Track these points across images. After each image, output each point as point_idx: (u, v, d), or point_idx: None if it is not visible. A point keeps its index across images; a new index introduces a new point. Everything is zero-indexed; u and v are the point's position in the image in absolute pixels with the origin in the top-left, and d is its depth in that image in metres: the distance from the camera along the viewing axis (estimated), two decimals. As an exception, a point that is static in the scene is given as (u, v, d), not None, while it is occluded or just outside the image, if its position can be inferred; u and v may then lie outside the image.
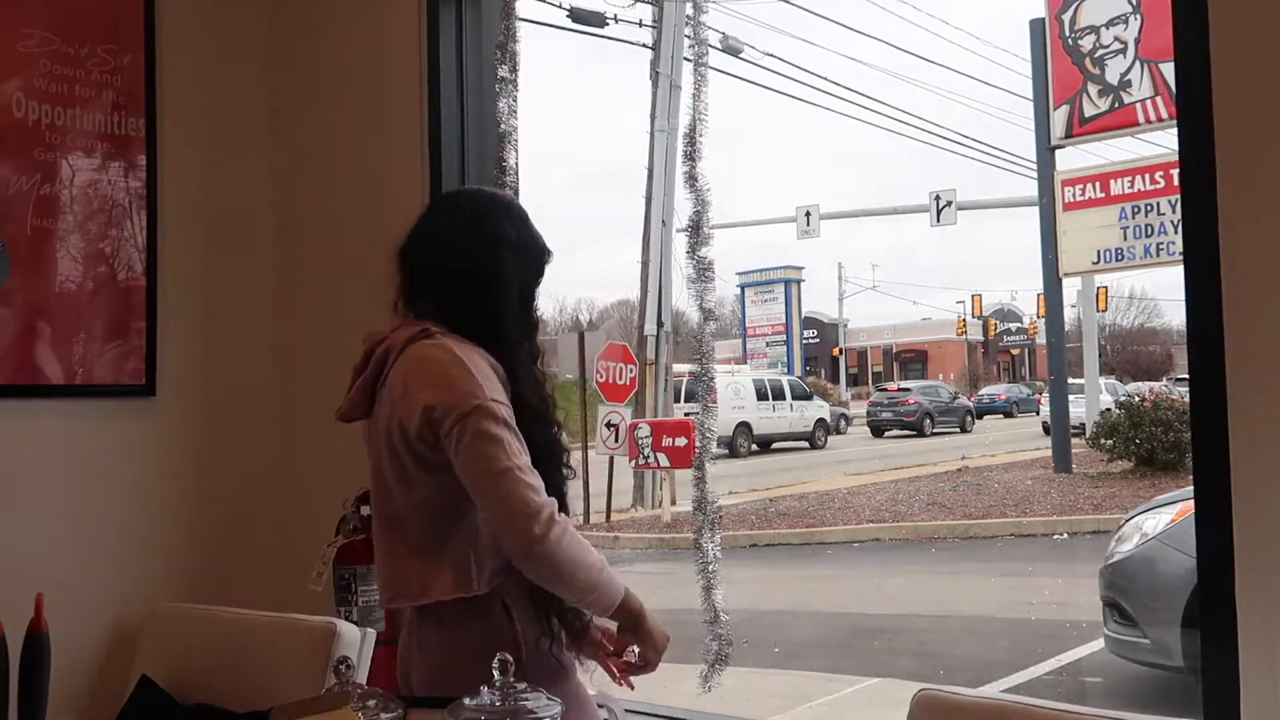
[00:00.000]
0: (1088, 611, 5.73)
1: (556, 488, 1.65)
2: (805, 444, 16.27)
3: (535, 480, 1.57)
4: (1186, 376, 1.69)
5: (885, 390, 19.03)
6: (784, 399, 16.34)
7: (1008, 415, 19.77)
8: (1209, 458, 1.53)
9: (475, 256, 1.72)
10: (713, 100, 2.72)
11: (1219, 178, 1.53)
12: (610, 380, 10.23)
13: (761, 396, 15.82)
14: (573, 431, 13.33)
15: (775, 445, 15.63)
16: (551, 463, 1.69)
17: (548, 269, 1.80)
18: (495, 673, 1.28)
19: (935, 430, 17.13)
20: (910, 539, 9.64)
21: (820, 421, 16.80)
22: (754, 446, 15.25)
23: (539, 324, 1.81)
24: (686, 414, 10.16)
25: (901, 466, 13.39)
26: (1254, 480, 1.49)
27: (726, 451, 13.99)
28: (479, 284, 1.71)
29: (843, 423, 18.93)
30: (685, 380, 10.65)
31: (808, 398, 17.33)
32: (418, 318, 1.71)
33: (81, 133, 2.40)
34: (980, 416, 18.76)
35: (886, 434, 17.30)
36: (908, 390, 18.70)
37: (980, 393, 21.13)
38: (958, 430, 17.25)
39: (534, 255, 1.79)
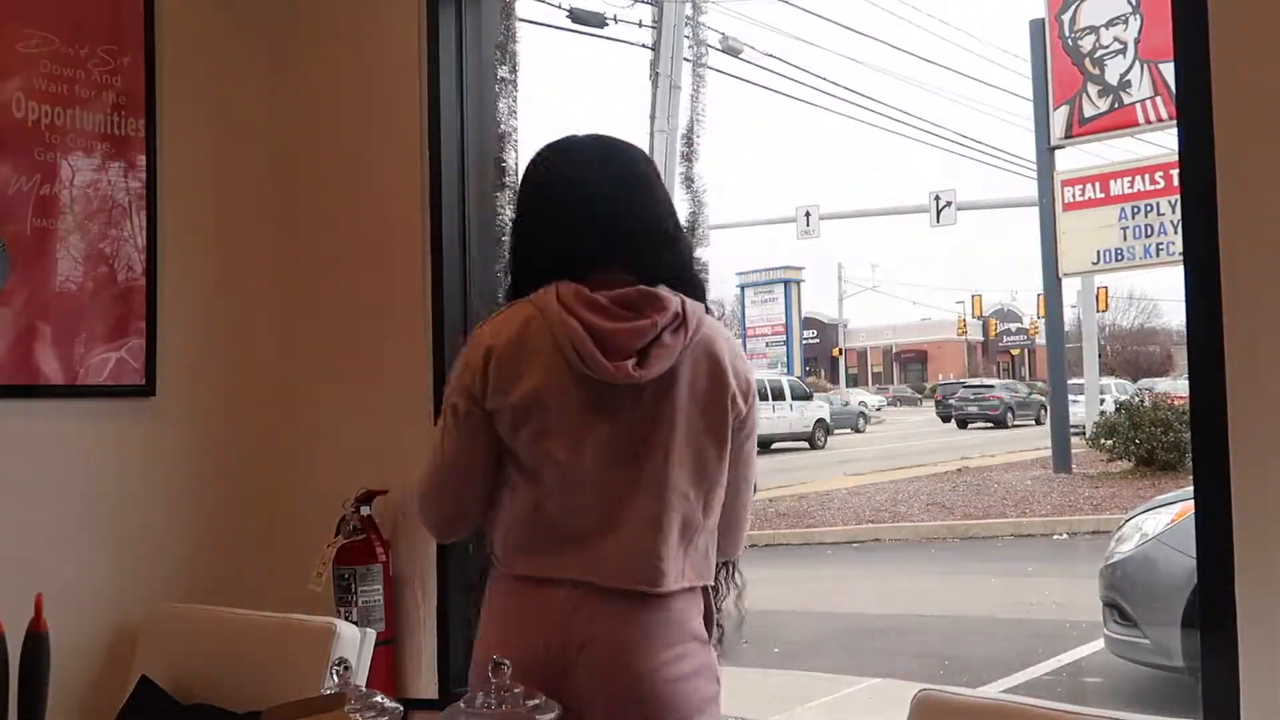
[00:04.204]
0: (1088, 611, 5.73)
1: None
2: (805, 444, 16.26)
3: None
4: (1185, 377, 1.69)
5: (969, 387, 20.62)
6: (784, 399, 16.33)
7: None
8: (1209, 458, 1.53)
9: None
10: (712, 101, 2.73)
11: (1219, 178, 1.52)
12: (610, 380, 10.19)
13: (761, 397, 15.80)
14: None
15: (775, 445, 15.63)
16: None
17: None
18: (492, 675, 1.27)
19: (1016, 423, 18.03)
20: (910, 539, 9.64)
21: (820, 422, 16.82)
22: (753, 447, 15.23)
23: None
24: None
25: (901, 466, 13.39)
26: (1254, 480, 1.49)
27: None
28: None
29: (861, 421, 19.22)
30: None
31: (808, 398, 17.34)
32: None
33: (81, 133, 2.40)
34: (980, 416, 18.98)
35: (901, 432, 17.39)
36: (991, 386, 20.37)
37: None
38: (1032, 423, 17.85)
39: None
